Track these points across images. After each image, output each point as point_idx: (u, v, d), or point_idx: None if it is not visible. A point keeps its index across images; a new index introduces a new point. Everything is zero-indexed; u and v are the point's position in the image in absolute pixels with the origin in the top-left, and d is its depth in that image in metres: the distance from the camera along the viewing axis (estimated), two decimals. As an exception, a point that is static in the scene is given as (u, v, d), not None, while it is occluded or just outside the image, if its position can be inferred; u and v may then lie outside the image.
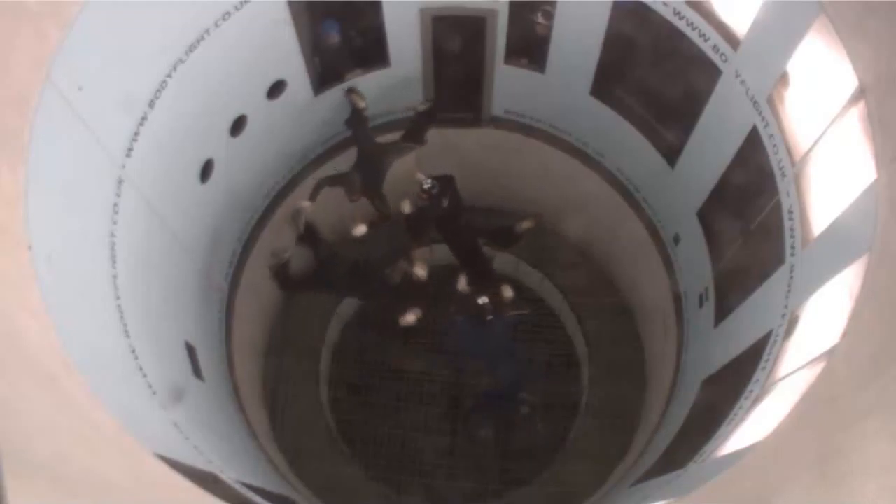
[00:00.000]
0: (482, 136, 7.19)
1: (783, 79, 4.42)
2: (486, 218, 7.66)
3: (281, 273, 6.03)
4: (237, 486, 4.31)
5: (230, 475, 4.31)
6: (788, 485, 3.14)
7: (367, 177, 6.61)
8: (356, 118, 6.53)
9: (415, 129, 6.81)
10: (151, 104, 4.35)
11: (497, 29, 6.05)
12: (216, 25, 4.70)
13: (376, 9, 5.81)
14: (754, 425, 4.13)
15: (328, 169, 7.04)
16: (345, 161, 7.02)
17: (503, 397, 6.65)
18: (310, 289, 6.52)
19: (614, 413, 7.47)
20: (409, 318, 6.36)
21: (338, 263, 6.31)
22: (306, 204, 6.47)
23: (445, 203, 6.73)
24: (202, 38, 4.63)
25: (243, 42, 5.04)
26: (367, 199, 6.77)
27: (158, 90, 4.39)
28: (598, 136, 6.83)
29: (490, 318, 6.20)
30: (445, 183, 6.75)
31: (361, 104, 6.44)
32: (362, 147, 6.65)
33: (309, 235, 6.35)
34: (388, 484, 7.75)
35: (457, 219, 7.11)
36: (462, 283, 6.35)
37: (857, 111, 3.63)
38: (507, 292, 6.56)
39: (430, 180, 6.59)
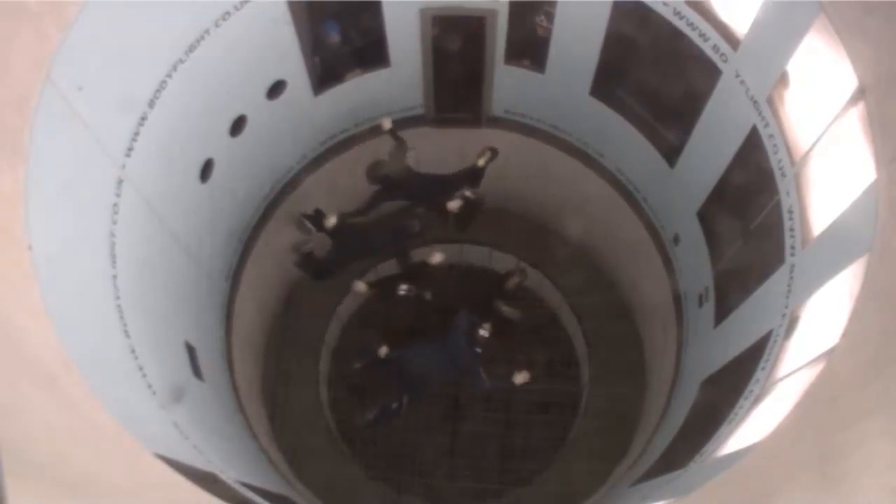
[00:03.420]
0: (482, 136, 7.18)
1: (783, 79, 4.42)
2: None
3: (307, 263, 6.02)
4: (237, 486, 4.31)
5: (230, 475, 4.31)
6: (788, 485, 3.14)
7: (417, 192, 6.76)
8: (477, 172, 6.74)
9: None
10: (151, 104, 4.36)
11: (497, 29, 6.05)
12: (216, 25, 4.70)
13: (376, 9, 5.81)
14: (754, 425, 4.13)
15: (328, 169, 7.05)
16: (343, 160, 7.03)
17: (389, 375, 6.44)
18: (338, 264, 6.48)
19: (614, 413, 7.46)
20: (437, 257, 6.36)
21: (352, 227, 6.28)
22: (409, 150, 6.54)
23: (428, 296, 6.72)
24: (202, 38, 4.63)
25: (243, 42, 5.04)
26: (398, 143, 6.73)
27: (158, 90, 4.39)
28: (598, 136, 6.83)
29: (477, 349, 6.04)
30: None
31: (481, 162, 6.68)
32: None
33: (318, 222, 6.29)
34: (388, 484, 7.75)
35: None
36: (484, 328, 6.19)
37: (857, 111, 3.62)
38: (521, 377, 6.21)
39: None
